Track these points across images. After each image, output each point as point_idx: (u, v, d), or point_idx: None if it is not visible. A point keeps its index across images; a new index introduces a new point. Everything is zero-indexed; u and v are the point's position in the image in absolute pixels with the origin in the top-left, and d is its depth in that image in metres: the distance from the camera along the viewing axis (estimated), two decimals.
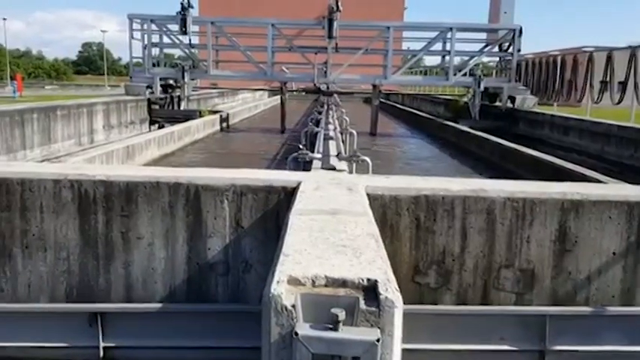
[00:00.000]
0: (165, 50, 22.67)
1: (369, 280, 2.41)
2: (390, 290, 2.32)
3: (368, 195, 4.28)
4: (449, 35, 19.91)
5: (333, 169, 6.80)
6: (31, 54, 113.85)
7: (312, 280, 2.45)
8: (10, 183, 4.77)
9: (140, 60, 20.84)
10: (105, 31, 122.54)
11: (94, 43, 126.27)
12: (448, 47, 20.26)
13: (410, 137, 22.29)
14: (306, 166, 7.52)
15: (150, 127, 18.92)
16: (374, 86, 20.52)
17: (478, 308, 4.35)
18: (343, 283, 2.44)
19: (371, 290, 2.38)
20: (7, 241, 4.82)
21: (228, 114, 21.97)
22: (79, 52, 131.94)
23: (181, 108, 20.55)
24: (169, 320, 4.64)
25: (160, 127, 18.49)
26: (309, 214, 3.52)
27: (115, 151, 11.58)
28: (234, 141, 19.30)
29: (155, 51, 20.94)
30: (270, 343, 2.30)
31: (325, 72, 19.09)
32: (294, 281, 2.43)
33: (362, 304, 2.30)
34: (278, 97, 32.80)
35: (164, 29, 20.16)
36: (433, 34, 20.42)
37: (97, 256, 4.83)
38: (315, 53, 19.69)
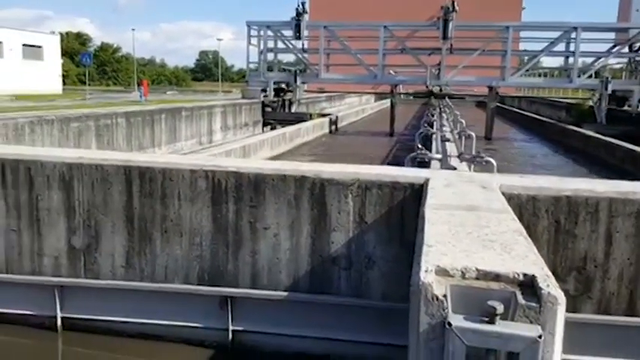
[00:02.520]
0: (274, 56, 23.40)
1: (525, 274, 2.27)
2: (551, 286, 2.17)
3: (503, 194, 4.08)
4: (573, 35, 18.66)
5: (454, 169, 6.60)
6: (155, 62, 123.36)
7: (462, 272, 2.35)
8: (153, 172, 5.13)
9: (255, 65, 21.73)
10: (220, 40, 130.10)
11: (209, 51, 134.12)
12: (572, 48, 18.99)
13: (529, 142, 21.10)
14: (423, 166, 7.38)
15: (263, 129, 19.65)
16: (490, 88, 19.73)
17: (625, 319, 3.97)
18: (496, 277, 2.32)
19: (528, 285, 2.23)
20: (149, 226, 5.19)
21: (337, 117, 22.24)
22: (197, 60, 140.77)
23: (292, 111, 21.13)
24: (293, 309, 4.74)
25: (272, 129, 19.14)
26: (446, 209, 3.41)
27: (233, 150, 12.13)
28: (343, 143, 19.49)
29: (269, 56, 21.74)
30: (419, 333, 2.24)
31: (438, 74, 18.69)
32: (442, 272, 2.35)
33: (520, 299, 2.17)
34: (384, 101, 32.71)
35: (279, 34, 20.87)
36: (554, 34, 19.24)
37: (227, 243, 5.06)
38: (429, 55, 19.33)
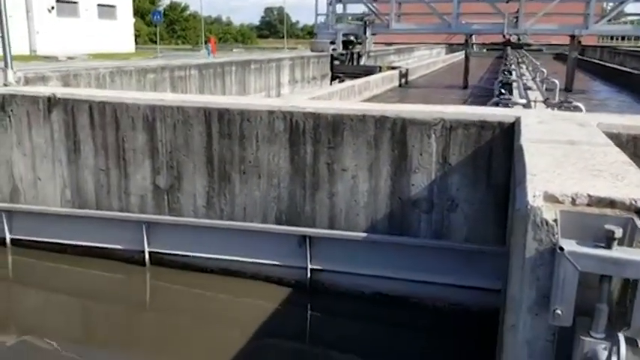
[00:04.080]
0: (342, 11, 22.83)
1: None
2: None
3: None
4: None
5: None
6: (221, 20, 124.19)
7: (572, 198, 2.19)
8: (231, 113, 5.16)
9: (324, 17, 21.36)
10: None
11: (274, 7, 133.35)
12: None
13: (614, 95, 19.71)
14: None
15: (331, 83, 19.44)
16: (572, 37, 18.45)
17: None
18: (611, 203, 2.14)
19: None
20: (228, 167, 5.26)
21: (407, 69, 21.64)
22: (261, 17, 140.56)
23: (361, 64, 20.72)
24: (372, 250, 4.71)
25: (340, 83, 18.90)
26: (545, 143, 3.19)
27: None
28: (413, 96, 18.97)
29: (338, 8, 21.26)
30: (524, 260, 2.11)
31: (516, 22, 17.63)
32: (550, 198, 2.19)
33: (639, 224, 1.99)
34: (456, 54, 31.48)
35: None
36: None
37: (305, 185, 5.05)
38: (506, 1, 18.21)
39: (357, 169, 4.88)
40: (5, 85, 6.14)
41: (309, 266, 4.85)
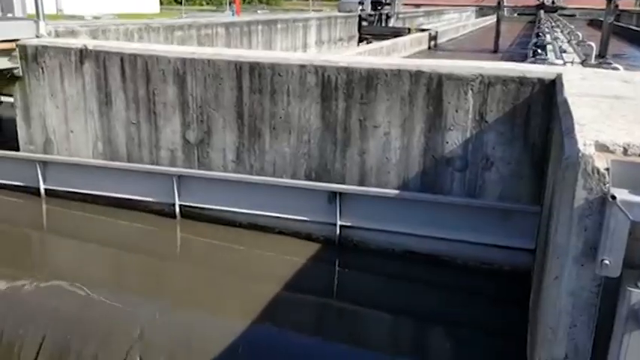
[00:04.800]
0: None
1: None
2: None
3: None
4: None
5: None
6: None
7: (624, 148, 2.11)
8: (262, 67, 5.09)
9: None
10: None
11: None
12: None
13: None
14: None
15: (358, 44, 19.12)
16: (608, 1, 17.72)
17: None
18: None
19: None
20: (258, 122, 5.23)
21: (436, 32, 21.12)
22: None
23: (390, 25, 20.28)
24: (402, 208, 4.67)
25: (367, 44, 18.57)
26: (590, 97, 3.08)
27: None
28: (443, 58, 18.57)
29: None
30: (572, 210, 2.06)
31: None
32: (601, 147, 2.12)
33: None
34: (486, 18, 30.56)
35: None
36: None
37: (336, 141, 5.00)
38: None
39: (389, 125, 4.80)
40: (37, 37, 6.15)
41: (339, 222, 4.85)
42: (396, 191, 4.69)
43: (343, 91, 4.89)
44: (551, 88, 4.10)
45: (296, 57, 5.19)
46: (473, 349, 3.56)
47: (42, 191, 5.95)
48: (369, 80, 4.78)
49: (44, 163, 5.94)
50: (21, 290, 4.08)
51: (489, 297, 4.24)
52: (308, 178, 5.12)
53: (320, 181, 5.05)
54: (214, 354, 3.41)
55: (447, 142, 4.62)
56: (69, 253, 5.18)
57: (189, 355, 3.48)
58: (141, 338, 3.58)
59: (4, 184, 6.15)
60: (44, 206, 5.84)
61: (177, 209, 5.45)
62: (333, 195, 4.83)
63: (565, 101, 2.95)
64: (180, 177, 5.41)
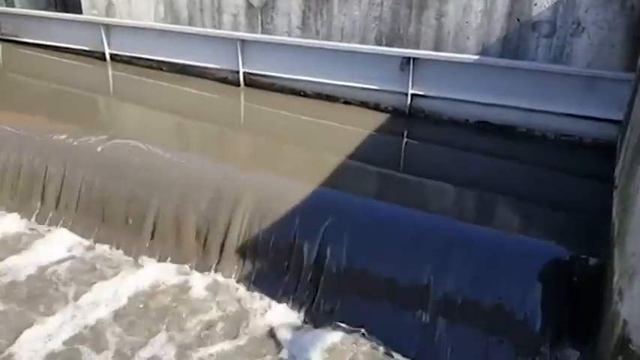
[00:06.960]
0: None
1: None
2: None
3: None
4: None
5: None
6: None
7: None
8: None
9: None
10: None
11: None
12: None
13: None
14: None
15: None
16: None
17: None
18: None
19: None
20: None
21: None
22: None
23: None
24: (481, 75, 4.40)
25: None
26: None
27: None
28: None
29: None
30: None
31: None
32: None
33: None
34: None
35: None
36: None
37: (411, 3, 4.64)
38: None
39: None
40: None
41: (410, 91, 4.64)
42: (475, 56, 4.38)
43: None
44: None
45: None
46: (547, 228, 3.25)
47: (107, 56, 5.92)
48: None
49: (107, 27, 5.85)
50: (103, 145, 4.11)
51: (567, 171, 4.03)
52: (378, 43, 4.85)
53: (391, 47, 4.77)
54: (295, 204, 3.38)
55: (535, 5, 4.21)
56: (133, 117, 5.15)
57: (271, 207, 3.44)
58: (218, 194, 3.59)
59: (72, 49, 6.16)
60: (110, 71, 5.83)
61: (241, 77, 5.33)
62: (406, 61, 4.57)
63: None
64: (243, 42, 5.23)
